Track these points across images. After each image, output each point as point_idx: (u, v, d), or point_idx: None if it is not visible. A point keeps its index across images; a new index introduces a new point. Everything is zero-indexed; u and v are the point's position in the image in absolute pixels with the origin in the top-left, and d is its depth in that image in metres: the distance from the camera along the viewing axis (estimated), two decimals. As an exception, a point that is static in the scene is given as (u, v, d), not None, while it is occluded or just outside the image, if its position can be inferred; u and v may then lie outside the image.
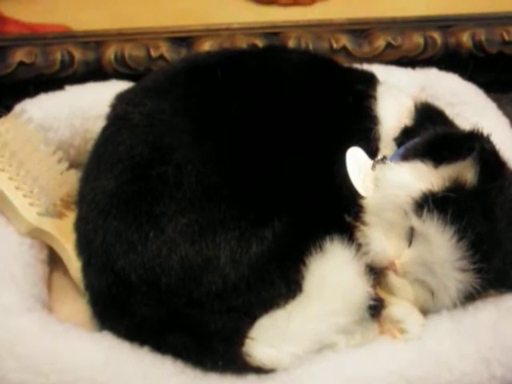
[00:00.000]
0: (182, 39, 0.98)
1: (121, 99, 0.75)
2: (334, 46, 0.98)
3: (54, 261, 0.80)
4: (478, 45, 1.02)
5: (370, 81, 0.79)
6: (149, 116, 0.70)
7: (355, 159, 0.72)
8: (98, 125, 0.78)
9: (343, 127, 0.73)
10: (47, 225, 0.77)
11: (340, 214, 0.69)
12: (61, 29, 1.05)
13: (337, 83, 0.77)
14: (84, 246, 0.69)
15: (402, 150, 0.72)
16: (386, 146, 0.74)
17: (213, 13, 1.00)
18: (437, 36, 1.01)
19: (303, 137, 0.70)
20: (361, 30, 1.01)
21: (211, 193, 0.65)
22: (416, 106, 0.77)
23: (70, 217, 0.77)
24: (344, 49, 0.99)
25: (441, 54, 1.01)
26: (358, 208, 0.69)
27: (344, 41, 0.99)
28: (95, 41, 0.99)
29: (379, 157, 0.73)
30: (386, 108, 0.75)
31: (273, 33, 0.99)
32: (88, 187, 0.70)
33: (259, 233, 0.64)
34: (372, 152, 0.73)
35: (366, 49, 0.99)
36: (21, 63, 0.98)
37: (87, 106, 0.87)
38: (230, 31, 0.99)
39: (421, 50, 1.00)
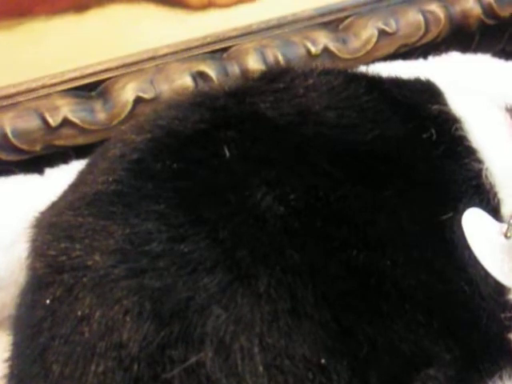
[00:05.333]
0: (90, 87, 0.64)
1: (47, 228, 0.41)
2: (312, 49, 0.68)
3: None
4: (487, 9, 0.76)
5: (436, 93, 0.50)
6: (110, 261, 0.37)
7: (477, 229, 0.43)
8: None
9: (437, 183, 0.45)
10: None
11: (490, 333, 0.41)
12: None
13: (401, 112, 0.47)
14: None
15: (540, 195, 0.45)
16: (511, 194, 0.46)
17: (126, 37, 0.65)
18: (436, 8, 0.74)
19: (383, 225, 0.41)
20: (339, 19, 0.71)
21: None
22: (512, 114, 0.50)
23: None
24: (326, 51, 0.69)
25: (446, 31, 0.74)
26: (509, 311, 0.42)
27: (322, 39, 0.68)
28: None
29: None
30: (483, 131, 0.47)
31: (221, 49, 0.67)
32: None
33: None
34: (493, 209, 0.45)
35: (354, 43, 0.70)
36: None
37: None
38: (158, 60, 0.65)
39: (422, 31, 0.73)
